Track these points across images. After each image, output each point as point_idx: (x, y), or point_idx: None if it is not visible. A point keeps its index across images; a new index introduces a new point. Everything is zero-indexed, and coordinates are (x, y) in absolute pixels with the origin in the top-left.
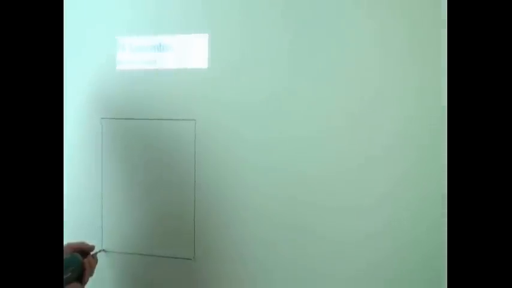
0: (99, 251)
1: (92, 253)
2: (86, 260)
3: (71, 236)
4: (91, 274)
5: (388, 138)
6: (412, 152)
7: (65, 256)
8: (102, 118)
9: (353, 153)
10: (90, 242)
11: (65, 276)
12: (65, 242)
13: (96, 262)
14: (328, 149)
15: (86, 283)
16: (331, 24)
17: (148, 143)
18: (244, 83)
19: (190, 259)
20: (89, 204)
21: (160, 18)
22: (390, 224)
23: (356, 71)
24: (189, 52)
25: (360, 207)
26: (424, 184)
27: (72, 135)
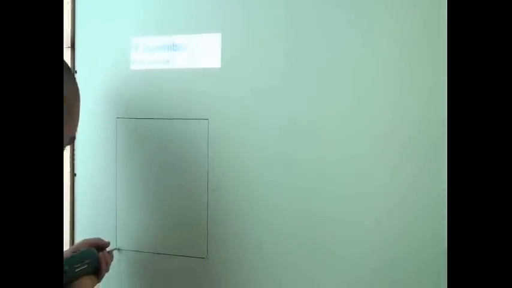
0: (114, 249)
1: (107, 249)
2: (101, 254)
3: (84, 235)
4: (107, 270)
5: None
6: (424, 151)
7: (81, 249)
8: (117, 118)
9: (365, 151)
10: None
11: (81, 268)
12: (80, 240)
13: (112, 259)
14: (343, 146)
15: (102, 278)
16: (344, 22)
17: (162, 143)
18: (257, 82)
19: (203, 258)
20: (103, 204)
21: (173, 18)
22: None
23: (370, 70)
24: (202, 52)
25: (375, 213)
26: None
27: (86, 135)
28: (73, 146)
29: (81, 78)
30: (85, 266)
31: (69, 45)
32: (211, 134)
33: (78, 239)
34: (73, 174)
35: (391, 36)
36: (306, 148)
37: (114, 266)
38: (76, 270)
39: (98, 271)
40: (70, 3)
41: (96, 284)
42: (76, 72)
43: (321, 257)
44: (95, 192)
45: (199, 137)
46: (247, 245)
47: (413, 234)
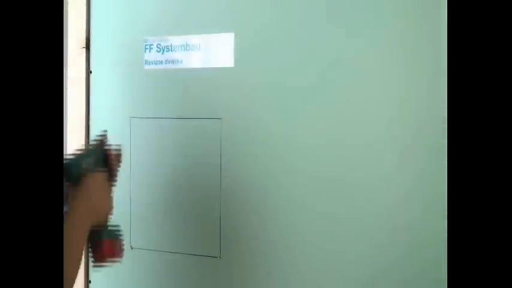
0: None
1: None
2: (108, 150)
3: None
4: (118, 164)
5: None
6: (430, 149)
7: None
8: (131, 117)
9: (378, 151)
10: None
11: (88, 162)
12: None
13: (121, 155)
14: (356, 145)
15: (115, 177)
16: (358, 21)
17: (175, 142)
18: (270, 82)
19: (216, 257)
20: (117, 202)
21: (186, 18)
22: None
23: (383, 68)
24: (215, 51)
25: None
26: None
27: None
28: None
29: (96, 79)
30: (92, 162)
31: (84, 46)
32: (224, 133)
33: None
34: None
35: (399, 36)
36: (319, 147)
37: (127, 266)
38: (84, 166)
39: (108, 170)
40: (85, 5)
41: (108, 182)
42: (91, 72)
43: (334, 256)
44: None
45: (212, 136)
46: (259, 245)
47: (416, 230)
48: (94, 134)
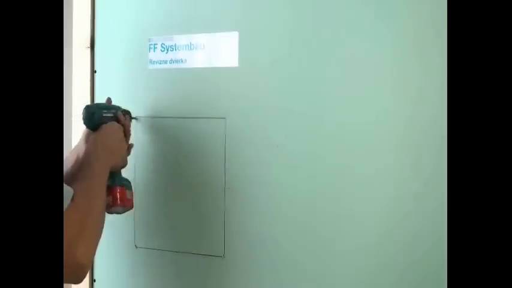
0: (133, 117)
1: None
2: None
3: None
4: (129, 130)
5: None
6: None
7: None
8: (136, 116)
9: (386, 150)
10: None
11: (107, 115)
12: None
13: (130, 124)
14: (361, 145)
15: (129, 133)
16: (362, 20)
17: (179, 141)
18: (275, 81)
19: (221, 256)
20: None
21: (191, 18)
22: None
23: (387, 67)
24: (220, 51)
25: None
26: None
27: None
28: None
29: (100, 78)
30: (111, 115)
31: (89, 46)
32: (228, 133)
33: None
34: None
35: (407, 32)
36: (324, 147)
37: (131, 263)
38: (104, 115)
39: (123, 127)
40: (90, 5)
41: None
42: (95, 71)
43: (339, 254)
44: None
45: (216, 136)
46: (264, 244)
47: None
48: None
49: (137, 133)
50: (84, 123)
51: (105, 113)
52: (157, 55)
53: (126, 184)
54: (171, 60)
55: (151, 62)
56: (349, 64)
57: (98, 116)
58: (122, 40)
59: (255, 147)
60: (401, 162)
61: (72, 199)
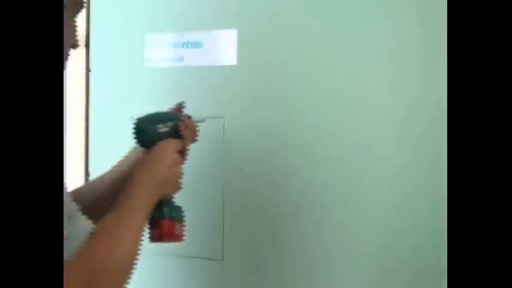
0: (201, 121)
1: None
2: (184, 118)
3: None
4: (193, 139)
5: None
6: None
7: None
8: (131, 116)
9: (388, 144)
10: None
11: (163, 130)
12: None
13: (197, 128)
14: (361, 144)
15: (188, 148)
16: (363, 16)
17: None
18: (273, 80)
19: (219, 260)
20: None
21: (187, 15)
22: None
23: (389, 67)
24: (218, 49)
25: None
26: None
27: (100, 133)
28: (87, 145)
29: (96, 77)
30: (168, 129)
31: (84, 44)
32: (226, 132)
33: None
34: (87, 174)
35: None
36: (324, 146)
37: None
38: (158, 131)
39: (182, 141)
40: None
41: (180, 155)
42: (90, 70)
43: (341, 258)
44: None
45: (214, 135)
46: (263, 247)
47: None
48: (94, 132)
49: None
50: (136, 140)
51: (160, 128)
52: (153, 53)
53: (175, 216)
54: (168, 58)
55: (148, 60)
56: (348, 61)
57: (151, 133)
58: (118, 38)
59: (254, 147)
60: (400, 159)
61: (91, 237)
